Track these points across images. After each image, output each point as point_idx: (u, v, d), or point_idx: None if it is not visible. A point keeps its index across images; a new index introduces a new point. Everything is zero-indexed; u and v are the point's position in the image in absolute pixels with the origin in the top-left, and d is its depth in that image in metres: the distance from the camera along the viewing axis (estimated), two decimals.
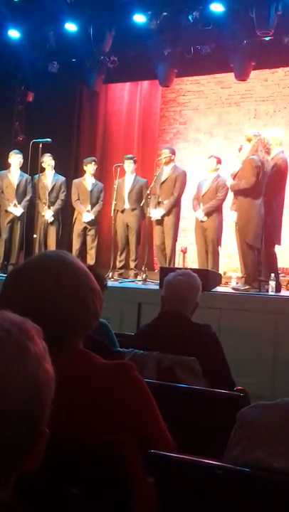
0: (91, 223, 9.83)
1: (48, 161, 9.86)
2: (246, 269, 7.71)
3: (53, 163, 9.95)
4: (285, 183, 7.93)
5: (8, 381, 1.03)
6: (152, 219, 9.19)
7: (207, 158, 9.35)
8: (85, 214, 9.78)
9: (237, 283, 8.13)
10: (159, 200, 9.16)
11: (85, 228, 9.87)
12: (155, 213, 9.14)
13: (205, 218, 8.91)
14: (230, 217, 8.86)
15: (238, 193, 7.74)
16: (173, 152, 9.43)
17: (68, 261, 1.91)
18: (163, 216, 9.11)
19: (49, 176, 9.94)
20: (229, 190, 8.44)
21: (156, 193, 9.17)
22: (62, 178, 10.05)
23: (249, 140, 7.70)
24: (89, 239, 9.91)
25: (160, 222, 9.18)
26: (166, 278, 3.83)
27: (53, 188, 9.89)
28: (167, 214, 9.10)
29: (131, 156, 9.85)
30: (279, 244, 7.96)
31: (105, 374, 1.86)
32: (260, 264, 7.66)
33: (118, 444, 1.77)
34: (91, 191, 9.82)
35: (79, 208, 9.88)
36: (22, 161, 9.80)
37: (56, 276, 1.84)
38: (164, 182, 9.15)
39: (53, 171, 9.99)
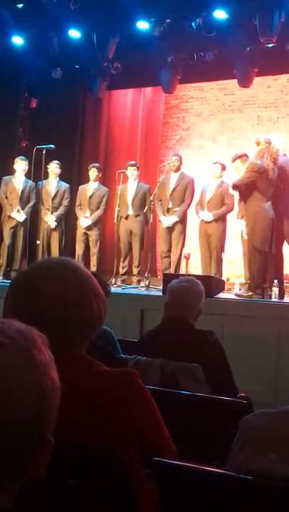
0: (88, 229, 9.83)
1: (53, 168, 9.88)
2: (251, 275, 7.70)
3: (58, 171, 9.97)
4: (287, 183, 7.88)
5: (13, 389, 1.03)
6: (164, 226, 9.20)
7: (212, 165, 9.36)
8: (82, 219, 9.81)
9: (240, 289, 8.13)
10: (169, 207, 9.18)
11: (85, 234, 9.88)
12: (167, 221, 9.16)
13: (210, 218, 8.88)
14: (232, 223, 8.87)
15: (243, 198, 7.76)
16: (180, 159, 9.47)
17: (73, 266, 1.92)
18: (175, 224, 9.13)
19: (53, 183, 9.95)
20: (235, 198, 8.49)
21: (165, 200, 9.20)
22: (66, 185, 10.07)
23: (258, 144, 7.69)
24: (90, 245, 9.92)
25: (169, 228, 9.19)
26: (170, 284, 3.83)
27: (56, 195, 9.91)
28: (179, 221, 9.14)
29: (134, 162, 9.87)
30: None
31: (108, 381, 1.86)
32: (266, 270, 7.64)
33: (120, 448, 1.78)
34: (90, 197, 9.83)
35: (78, 213, 9.92)
36: (27, 167, 9.81)
37: (61, 282, 1.85)
38: (174, 189, 9.18)
39: (57, 178, 10.01)
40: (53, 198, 9.85)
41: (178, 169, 9.37)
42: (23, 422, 1.03)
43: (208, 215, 8.91)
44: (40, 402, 1.06)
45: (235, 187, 7.77)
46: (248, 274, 8.03)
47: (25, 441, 1.04)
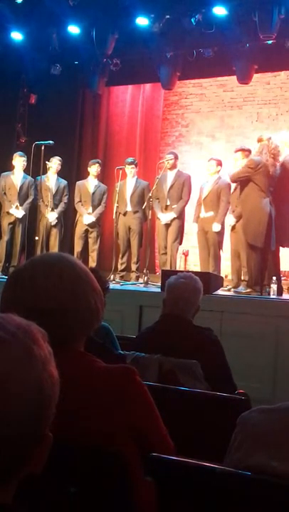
0: (92, 225, 9.83)
1: (54, 164, 9.84)
2: (249, 272, 7.70)
3: (58, 167, 9.93)
4: None
5: (12, 384, 1.03)
6: (162, 223, 9.20)
7: (207, 161, 9.34)
8: (86, 216, 9.79)
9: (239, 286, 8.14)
10: (167, 204, 9.17)
11: (86, 230, 9.87)
12: (165, 217, 9.16)
13: (219, 228, 8.87)
14: (230, 219, 8.86)
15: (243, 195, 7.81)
16: (176, 157, 9.45)
17: (70, 262, 1.92)
18: (172, 220, 9.13)
19: (52, 179, 9.93)
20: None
21: (163, 198, 9.19)
22: (64, 182, 10.06)
23: (259, 141, 7.71)
24: (90, 241, 9.92)
25: (166, 225, 9.19)
26: (168, 281, 3.83)
27: (57, 191, 9.90)
28: (177, 217, 9.13)
29: (132, 160, 9.78)
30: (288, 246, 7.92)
31: (107, 378, 1.85)
32: (265, 267, 7.64)
33: (118, 445, 1.77)
34: (93, 193, 9.82)
35: (80, 210, 9.88)
36: (26, 163, 9.80)
37: (58, 277, 1.85)
38: (171, 187, 9.17)
39: (56, 174, 9.98)
40: (54, 195, 9.83)
41: (174, 167, 9.35)
42: (21, 417, 1.03)
43: (216, 226, 8.84)
44: (39, 397, 1.06)
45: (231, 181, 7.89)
46: (234, 270, 8.14)
47: (24, 436, 1.04)
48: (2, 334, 1.06)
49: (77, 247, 9.91)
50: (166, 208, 9.21)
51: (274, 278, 7.51)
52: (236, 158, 8.47)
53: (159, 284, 7.51)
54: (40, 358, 1.08)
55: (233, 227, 8.44)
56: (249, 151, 8.37)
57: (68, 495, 1.70)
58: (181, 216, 9.21)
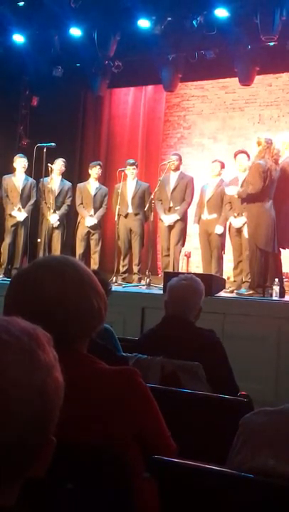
0: (94, 228, 9.82)
1: (59, 166, 9.83)
2: (252, 274, 7.70)
3: (63, 169, 9.93)
4: None
5: (15, 388, 1.02)
6: (166, 225, 9.19)
7: (211, 163, 9.35)
8: (88, 218, 9.78)
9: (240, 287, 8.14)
10: (170, 205, 9.16)
11: (88, 232, 9.87)
12: (168, 219, 9.15)
13: (221, 230, 8.87)
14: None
15: (247, 199, 7.73)
16: (180, 158, 9.45)
17: (74, 264, 1.92)
18: (176, 222, 9.12)
19: (56, 181, 9.92)
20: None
21: (166, 199, 9.18)
22: (68, 184, 10.04)
23: (259, 144, 7.67)
24: (92, 243, 9.91)
25: (169, 227, 9.19)
26: (170, 283, 3.82)
27: (59, 193, 9.89)
28: (180, 219, 9.13)
29: (133, 161, 9.76)
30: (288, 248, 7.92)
31: (109, 379, 1.86)
32: (267, 268, 7.63)
33: (120, 447, 1.77)
34: (94, 195, 9.81)
35: (82, 212, 9.87)
36: (27, 165, 9.80)
37: (61, 279, 1.85)
38: (174, 189, 9.17)
39: (60, 176, 9.98)
40: (57, 197, 9.83)
41: (177, 168, 9.35)
42: (23, 421, 1.03)
43: (219, 228, 8.86)
44: (42, 403, 1.05)
45: (253, 196, 7.64)
46: (237, 272, 8.08)
47: (26, 440, 1.04)
48: (6, 337, 1.06)
49: (79, 249, 9.90)
50: (170, 209, 9.20)
51: (276, 280, 7.51)
52: (241, 159, 8.46)
53: (161, 285, 7.50)
54: (44, 362, 1.07)
55: (239, 230, 8.45)
56: (248, 154, 8.41)
57: (67, 493, 1.70)
58: (184, 218, 9.21)
